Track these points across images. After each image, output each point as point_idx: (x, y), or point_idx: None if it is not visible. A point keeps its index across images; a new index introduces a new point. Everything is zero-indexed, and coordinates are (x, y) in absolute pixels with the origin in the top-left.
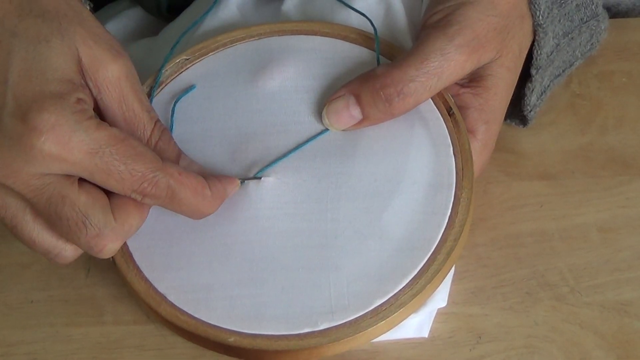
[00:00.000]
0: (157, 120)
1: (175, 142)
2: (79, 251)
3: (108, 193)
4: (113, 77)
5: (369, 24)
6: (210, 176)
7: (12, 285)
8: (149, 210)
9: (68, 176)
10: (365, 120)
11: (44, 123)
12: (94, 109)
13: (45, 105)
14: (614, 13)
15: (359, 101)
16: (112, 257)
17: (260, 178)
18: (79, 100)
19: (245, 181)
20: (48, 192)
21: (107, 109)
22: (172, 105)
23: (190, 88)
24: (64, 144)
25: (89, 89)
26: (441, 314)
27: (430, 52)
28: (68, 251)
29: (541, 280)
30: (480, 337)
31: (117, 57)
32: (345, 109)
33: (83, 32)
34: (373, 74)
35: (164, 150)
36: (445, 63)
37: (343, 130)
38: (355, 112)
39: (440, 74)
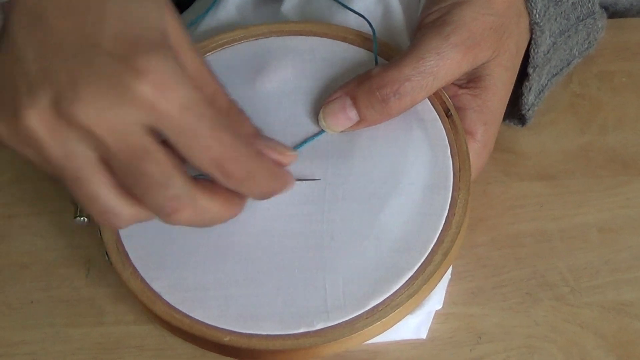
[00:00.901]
0: (232, 98)
1: (250, 120)
2: (135, 218)
3: None
4: (191, 49)
5: (368, 24)
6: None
7: (12, 286)
8: (235, 213)
9: (152, 136)
10: (363, 121)
11: (146, 66)
12: None
13: (150, 50)
14: (611, 12)
15: (355, 103)
16: (108, 256)
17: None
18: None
19: None
20: (133, 143)
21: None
22: None
23: None
24: (161, 91)
25: None
26: (441, 314)
27: (425, 51)
28: (126, 214)
29: (541, 280)
30: (480, 338)
31: (187, 33)
32: (341, 110)
33: (166, 1)
34: (369, 75)
35: (242, 125)
36: (441, 62)
37: (340, 132)
38: (352, 114)
39: (436, 73)
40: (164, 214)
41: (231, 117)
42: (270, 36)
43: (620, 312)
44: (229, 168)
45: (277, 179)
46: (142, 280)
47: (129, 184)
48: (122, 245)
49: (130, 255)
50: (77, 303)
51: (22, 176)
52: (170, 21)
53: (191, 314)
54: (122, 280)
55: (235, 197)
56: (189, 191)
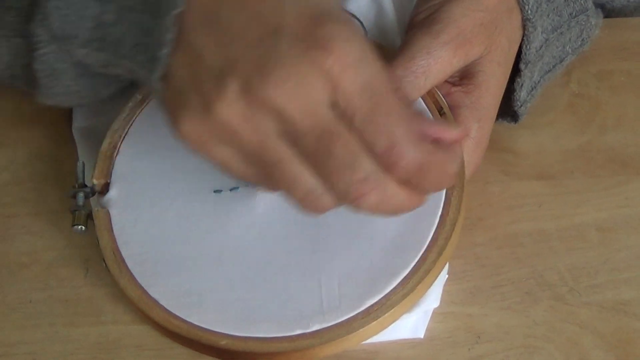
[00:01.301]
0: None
1: None
2: (331, 203)
3: None
4: None
5: (360, 25)
6: None
7: (11, 285)
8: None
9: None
10: None
11: (333, 41)
12: None
13: (335, 26)
14: (608, 10)
15: None
16: (105, 263)
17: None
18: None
19: (239, 188)
20: (320, 123)
21: None
22: None
23: None
24: (346, 68)
25: None
26: (440, 313)
27: (416, 51)
28: (327, 197)
29: (540, 280)
30: (479, 337)
31: None
32: None
33: None
34: None
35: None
36: (432, 61)
37: None
38: None
39: (428, 72)
40: (351, 199)
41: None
42: None
43: (619, 312)
44: (393, 160)
45: (447, 174)
46: (140, 287)
47: (316, 166)
48: (119, 252)
49: (127, 261)
50: (77, 303)
51: (22, 176)
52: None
53: (188, 319)
54: (120, 287)
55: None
56: (377, 174)
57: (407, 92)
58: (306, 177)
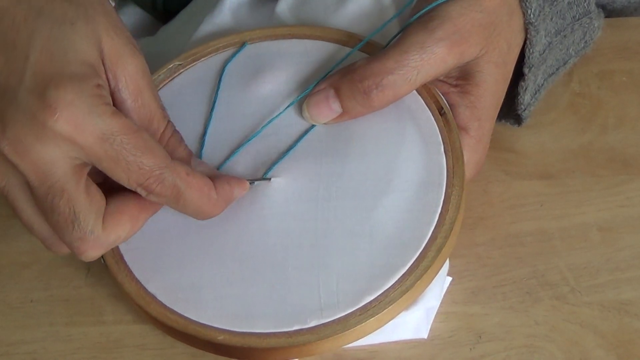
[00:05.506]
0: (170, 120)
1: (185, 143)
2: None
3: (109, 195)
4: (131, 71)
5: (361, 26)
6: (219, 178)
7: (12, 285)
8: (144, 222)
9: (76, 171)
10: (345, 113)
11: (59, 101)
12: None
13: (64, 84)
14: (609, 11)
15: (338, 94)
16: (103, 258)
17: (269, 179)
18: (98, 85)
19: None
20: (51, 181)
21: (123, 102)
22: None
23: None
24: (77, 125)
25: (108, 80)
26: (441, 313)
27: (409, 45)
28: (62, 245)
29: (541, 279)
30: (480, 337)
31: (136, 52)
32: (324, 101)
33: (106, 23)
34: (352, 67)
35: (175, 149)
36: (425, 56)
37: (324, 123)
38: (335, 106)
39: (420, 67)
40: (75, 253)
41: (165, 135)
42: (264, 40)
43: (620, 311)
44: (152, 188)
45: (204, 195)
46: (137, 282)
47: (47, 218)
48: (117, 247)
49: (125, 257)
50: (77, 302)
51: None
52: (107, 41)
53: (185, 314)
54: (117, 282)
55: (144, 213)
56: (97, 231)
57: (398, 86)
58: (39, 225)
